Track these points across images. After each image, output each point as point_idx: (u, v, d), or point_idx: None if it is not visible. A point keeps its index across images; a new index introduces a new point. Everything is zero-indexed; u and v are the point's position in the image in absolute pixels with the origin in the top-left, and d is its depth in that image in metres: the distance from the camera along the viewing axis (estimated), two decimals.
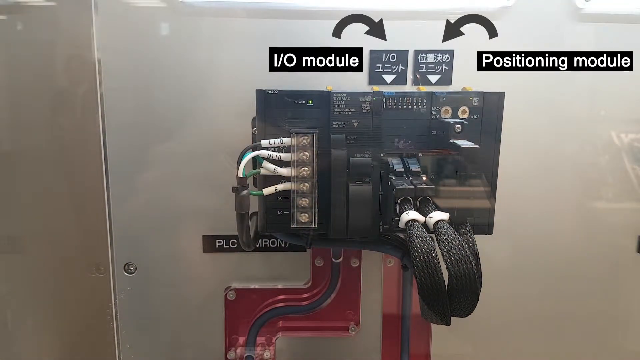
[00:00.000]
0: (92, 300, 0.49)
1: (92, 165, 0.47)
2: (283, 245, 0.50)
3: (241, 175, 0.36)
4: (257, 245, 0.49)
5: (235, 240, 0.49)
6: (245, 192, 0.36)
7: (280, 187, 0.37)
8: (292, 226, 0.37)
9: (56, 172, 0.47)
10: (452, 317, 0.35)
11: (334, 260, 0.50)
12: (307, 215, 0.38)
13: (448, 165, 0.35)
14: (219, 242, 0.49)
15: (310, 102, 0.37)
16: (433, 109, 0.37)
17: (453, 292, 0.31)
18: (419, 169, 0.36)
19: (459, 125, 0.34)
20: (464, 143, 0.33)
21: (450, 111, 0.37)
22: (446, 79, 0.46)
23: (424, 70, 0.46)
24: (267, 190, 0.37)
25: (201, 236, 0.49)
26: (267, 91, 0.36)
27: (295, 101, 0.36)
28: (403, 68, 0.45)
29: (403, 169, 0.36)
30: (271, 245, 0.50)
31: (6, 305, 0.50)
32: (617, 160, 0.49)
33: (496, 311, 0.51)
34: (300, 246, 0.49)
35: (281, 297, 0.50)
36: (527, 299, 0.51)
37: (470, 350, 0.52)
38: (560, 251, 0.51)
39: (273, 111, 0.36)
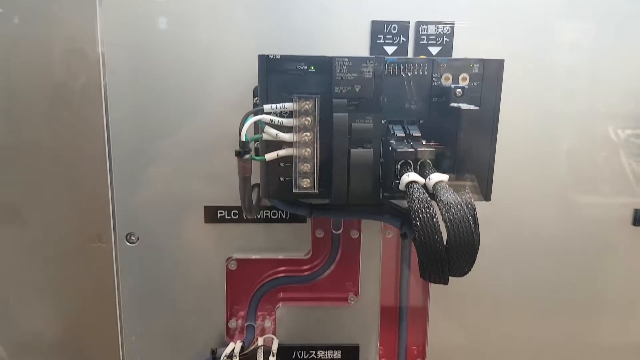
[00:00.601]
0: (94, 270, 0.50)
1: (94, 135, 0.47)
2: (284, 217, 0.50)
3: (243, 139, 0.36)
4: (259, 217, 0.50)
5: (237, 211, 0.50)
6: (247, 156, 0.37)
7: (282, 152, 0.38)
8: (294, 191, 0.38)
9: (57, 143, 0.48)
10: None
11: (334, 231, 0.51)
12: (308, 180, 0.38)
13: (448, 129, 0.36)
14: (220, 213, 0.50)
15: (313, 67, 0.37)
16: (434, 75, 0.38)
17: (452, 251, 0.32)
18: (420, 135, 0.36)
19: (459, 90, 0.35)
20: (464, 105, 0.34)
21: (450, 78, 0.38)
22: (447, 51, 0.46)
23: (424, 42, 0.46)
24: (269, 156, 0.38)
25: (203, 206, 0.49)
26: (269, 56, 0.37)
27: (298, 66, 0.37)
28: (404, 39, 0.46)
29: (404, 135, 0.36)
30: (272, 217, 0.50)
31: (6, 276, 0.50)
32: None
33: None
34: (301, 217, 0.50)
35: (282, 267, 0.51)
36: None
37: (465, 316, 0.53)
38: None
39: (275, 76, 0.37)
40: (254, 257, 0.51)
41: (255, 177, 0.41)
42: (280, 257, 0.51)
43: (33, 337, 0.50)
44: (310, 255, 0.51)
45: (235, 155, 0.37)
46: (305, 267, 0.52)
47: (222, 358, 0.48)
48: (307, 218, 0.50)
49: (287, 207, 0.47)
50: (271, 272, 0.51)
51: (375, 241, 0.51)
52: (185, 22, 0.45)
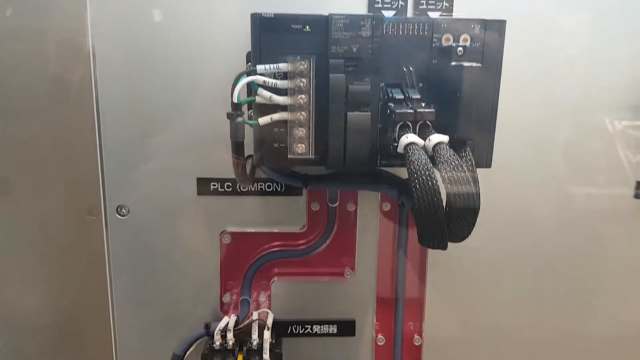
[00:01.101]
0: (84, 244, 0.49)
1: (83, 106, 0.46)
2: (279, 189, 0.49)
3: (235, 101, 0.35)
4: (253, 189, 0.49)
5: (230, 184, 0.49)
6: (240, 119, 0.35)
7: (276, 116, 0.36)
8: (289, 157, 0.37)
9: (47, 115, 0.46)
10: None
11: (330, 204, 0.50)
12: (303, 146, 0.37)
13: (449, 91, 0.35)
14: (213, 185, 0.48)
15: (308, 27, 0.35)
16: (434, 36, 0.36)
17: (452, 214, 0.31)
18: (419, 97, 0.35)
19: (460, 48, 0.33)
20: (466, 63, 0.33)
21: (451, 39, 0.36)
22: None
23: (424, 6, 0.45)
24: (263, 120, 0.37)
25: (195, 178, 0.48)
26: (262, 15, 0.35)
27: (292, 26, 0.35)
28: (403, 4, 0.44)
29: (403, 97, 0.35)
30: (267, 189, 0.49)
31: None
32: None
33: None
34: (296, 190, 0.49)
35: (277, 241, 0.50)
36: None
37: (463, 292, 0.52)
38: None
39: (269, 36, 0.35)
40: (248, 230, 0.50)
41: (249, 149, 0.40)
42: (275, 230, 0.50)
43: (22, 313, 0.49)
44: (305, 229, 0.50)
45: (227, 117, 0.35)
46: (301, 241, 0.51)
47: (216, 332, 0.48)
48: (303, 190, 0.49)
49: (282, 177, 0.46)
50: (266, 246, 0.50)
51: (372, 214, 0.50)
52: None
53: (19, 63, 0.45)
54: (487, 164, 0.38)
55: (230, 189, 0.49)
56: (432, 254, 0.51)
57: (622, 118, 0.49)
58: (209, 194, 0.48)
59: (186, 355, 0.49)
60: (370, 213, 0.50)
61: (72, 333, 0.50)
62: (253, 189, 0.49)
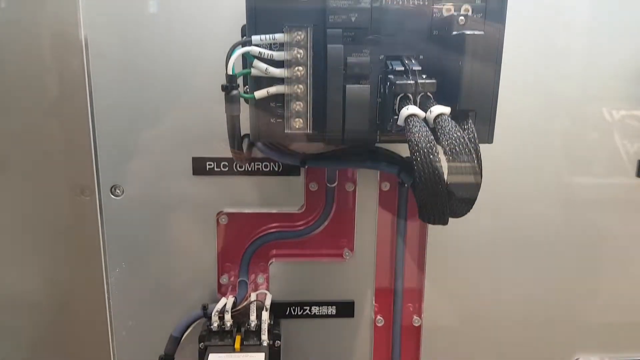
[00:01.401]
0: (78, 225, 0.48)
1: (76, 85, 0.45)
2: (276, 169, 0.48)
3: (230, 73, 0.34)
4: (250, 169, 0.48)
5: (226, 163, 0.48)
6: (235, 92, 0.34)
7: (272, 89, 0.35)
8: (286, 131, 0.36)
9: (40, 94, 0.45)
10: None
11: (328, 184, 0.49)
12: (301, 120, 0.36)
13: (451, 62, 0.34)
14: (209, 165, 0.47)
15: None
16: (435, 7, 0.35)
17: (452, 188, 0.30)
18: (420, 69, 0.34)
19: (462, 17, 0.32)
20: (468, 31, 0.32)
21: (452, 9, 0.35)
22: None
23: None
24: (259, 94, 0.35)
25: (191, 158, 0.47)
26: None
27: None
28: None
29: (403, 69, 0.34)
30: (264, 169, 0.48)
31: None
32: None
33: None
34: (294, 170, 0.48)
35: (275, 222, 0.49)
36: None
37: (463, 273, 0.52)
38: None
39: (264, 5, 0.34)
40: (245, 211, 0.49)
41: (245, 128, 0.39)
42: (273, 211, 0.49)
43: (17, 292, 0.49)
44: (303, 209, 0.49)
45: (222, 90, 0.34)
46: (299, 222, 0.50)
47: (213, 313, 0.47)
48: (301, 170, 0.48)
49: (279, 156, 0.45)
50: (264, 227, 0.49)
51: (371, 195, 0.50)
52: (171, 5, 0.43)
53: (12, 45, 0.44)
54: (488, 139, 0.37)
55: (227, 168, 0.48)
56: (432, 235, 0.51)
57: (620, 108, 0.49)
58: (205, 174, 0.48)
59: (184, 337, 0.48)
60: (369, 193, 0.49)
61: (67, 314, 0.49)
62: (250, 169, 0.48)
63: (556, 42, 0.47)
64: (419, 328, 0.52)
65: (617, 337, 0.55)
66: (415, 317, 0.52)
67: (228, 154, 0.46)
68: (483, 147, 0.35)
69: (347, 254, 0.51)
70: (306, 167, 0.45)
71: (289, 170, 0.48)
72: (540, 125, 0.49)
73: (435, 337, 0.53)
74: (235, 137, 0.37)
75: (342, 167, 0.47)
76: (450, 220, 0.50)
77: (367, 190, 0.49)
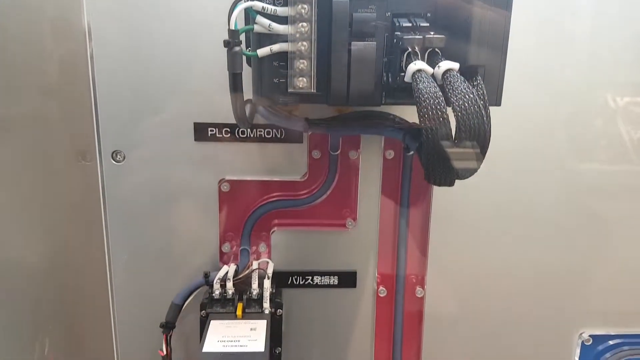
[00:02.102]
0: (78, 191, 0.47)
1: (76, 50, 0.44)
2: (279, 136, 0.48)
3: (233, 28, 0.33)
4: (252, 135, 0.47)
5: (228, 129, 0.47)
6: (237, 48, 0.33)
7: (276, 47, 0.34)
8: (289, 90, 0.35)
9: (42, 59, 0.44)
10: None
11: (331, 152, 0.48)
12: (305, 80, 0.35)
13: (459, 18, 0.32)
14: (211, 131, 0.47)
15: None
16: None
17: (461, 145, 0.30)
18: (427, 25, 0.33)
19: None
20: None
21: None
22: None
23: None
24: (262, 51, 0.34)
25: (192, 123, 0.46)
26: None
27: None
28: None
29: (410, 25, 0.33)
30: (266, 136, 0.47)
31: None
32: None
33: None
34: (297, 137, 0.48)
35: (277, 190, 0.49)
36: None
37: (466, 244, 0.52)
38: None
39: None
40: (247, 179, 0.49)
41: (247, 94, 0.38)
42: (276, 179, 0.49)
43: (17, 258, 0.48)
44: (306, 177, 0.49)
45: (225, 46, 0.33)
46: (302, 191, 0.49)
47: (215, 281, 0.47)
48: (303, 138, 0.47)
49: (281, 121, 0.44)
50: (266, 195, 0.49)
51: (375, 163, 0.49)
52: None
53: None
54: (497, 101, 0.36)
55: (229, 134, 0.47)
56: (436, 205, 0.50)
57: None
58: (206, 140, 0.47)
59: (185, 304, 0.48)
60: (373, 161, 0.49)
61: (68, 280, 0.49)
62: (252, 135, 0.47)
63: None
64: (421, 299, 0.52)
65: (622, 312, 0.54)
66: (418, 287, 0.52)
67: (230, 120, 0.46)
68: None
69: (350, 223, 0.50)
70: (309, 133, 0.44)
71: (291, 137, 0.48)
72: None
73: (438, 308, 0.53)
74: (237, 97, 0.36)
75: (346, 133, 0.46)
76: (455, 191, 0.50)
77: (371, 158, 0.49)
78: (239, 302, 0.47)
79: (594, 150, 0.50)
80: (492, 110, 0.34)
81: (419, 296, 0.52)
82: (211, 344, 0.41)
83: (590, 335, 0.54)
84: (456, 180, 0.49)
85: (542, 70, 0.47)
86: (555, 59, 0.47)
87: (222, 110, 0.45)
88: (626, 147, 0.50)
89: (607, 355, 0.55)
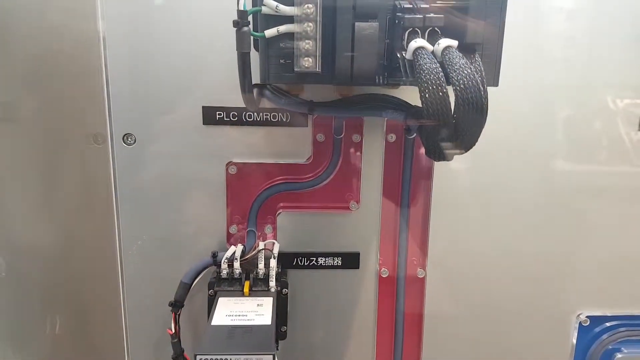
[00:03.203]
0: (90, 173, 0.49)
1: (88, 33, 0.45)
2: (284, 120, 0.49)
3: (242, 8, 0.34)
4: (258, 119, 0.49)
5: (235, 113, 0.49)
6: (246, 28, 0.35)
7: (282, 28, 0.36)
8: (295, 70, 0.36)
9: (54, 42, 0.46)
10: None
11: (335, 136, 0.50)
12: (310, 59, 0.37)
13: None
14: (219, 114, 0.48)
15: None
16: None
17: (459, 120, 0.31)
18: (428, 6, 0.35)
19: None
20: None
21: None
22: None
23: None
24: (269, 32, 0.36)
25: (201, 107, 0.48)
26: None
27: None
28: None
29: (411, 6, 0.35)
30: (272, 119, 0.49)
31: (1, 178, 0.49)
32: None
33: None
34: (302, 121, 0.49)
35: (283, 173, 0.50)
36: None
37: (467, 226, 0.53)
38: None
39: None
40: (254, 161, 0.50)
41: (254, 78, 0.40)
42: (281, 162, 0.50)
43: (27, 240, 0.50)
44: (311, 160, 0.50)
45: (234, 26, 0.35)
46: (306, 174, 0.51)
47: (223, 261, 0.48)
48: (308, 121, 0.49)
49: (287, 103, 0.46)
50: (272, 178, 0.51)
51: (377, 146, 0.50)
52: None
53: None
54: (494, 82, 0.38)
55: (236, 118, 0.49)
56: (437, 187, 0.51)
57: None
58: (214, 124, 0.48)
59: (194, 283, 0.50)
60: (375, 145, 0.50)
61: (78, 261, 0.50)
62: (258, 119, 0.49)
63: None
64: (423, 279, 0.54)
65: (619, 293, 0.56)
66: (419, 269, 0.53)
67: (237, 104, 0.47)
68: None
69: (353, 205, 0.52)
70: (314, 115, 0.46)
71: (296, 121, 0.49)
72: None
73: (440, 288, 0.54)
74: (245, 76, 0.38)
75: (349, 115, 0.47)
76: (456, 173, 0.52)
77: (373, 141, 0.50)
78: (245, 281, 0.48)
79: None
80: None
81: (420, 277, 0.54)
82: (220, 318, 0.43)
83: (587, 317, 0.56)
84: (458, 165, 0.51)
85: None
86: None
87: (230, 95, 0.47)
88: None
89: (604, 336, 0.57)
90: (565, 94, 0.50)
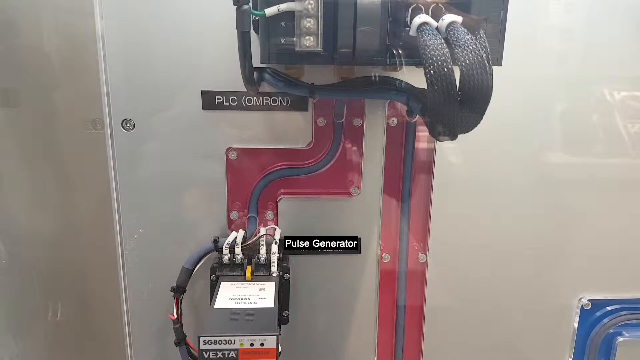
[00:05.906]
0: (89, 158, 0.48)
1: (85, 17, 0.45)
2: (284, 104, 0.49)
3: None
4: (258, 103, 0.48)
5: (235, 97, 0.48)
6: (246, 7, 0.34)
7: (283, 6, 0.35)
8: (296, 49, 0.36)
9: (51, 26, 0.45)
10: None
11: (336, 120, 0.49)
12: (312, 38, 0.36)
13: None
14: (218, 99, 0.48)
15: None
16: None
17: (464, 97, 0.31)
18: None
19: None
20: None
21: None
22: None
23: None
24: (270, 11, 0.36)
25: (199, 91, 0.47)
26: None
27: None
28: None
29: None
30: (272, 104, 0.49)
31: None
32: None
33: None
34: (302, 105, 0.49)
35: (283, 158, 0.50)
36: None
37: (468, 212, 0.53)
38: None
39: None
40: (254, 147, 0.50)
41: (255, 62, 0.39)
42: (282, 147, 0.50)
43: (27, 225, 0.50)
44: (312, 145, 0.50)
45: (234, 4, 0.34)
46: (307, 159, 0.50)
47: (224, 246, 0.48)
48: (309, 106, 0.48)
49: (287, 86, 0.45)
50: (273, 163, 0.50)
51: (379, 131, 0.50)
52: None
53: None
54: (498, 60, 0.37)
55: (236, 103, 0.48)
56: (438, 172, 0.51)
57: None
58: (214, 109, 0.48)
59: (195, 269, 0.50)
60: (376, 129, 0.50)
61: (78, 247, 0.50)
62: (259, 104, 0.48)
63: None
64: (424, 264, 0.54)
65: (620, 276, 0.56)
66: (420, 254, 0.53)
67: (237, 88, 0.47)
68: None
69: (354, 191, 0.51)
70: (315, 98, 0.45)
71: (297, 105, 0.49)
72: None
73: (441, 273, 0.54)
74: (246, 57, 0.37)
75: (351, 97, 0.47)
76: (457, 158, 0.51)
77: (375, 126, 0.50)
78: (247, 266, 0.48)
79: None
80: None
81: (422, 262, 0.53)
82: (222, 302, 0.43)
83: (589, 300, 0.56)
84: (461, 151, 0.51)
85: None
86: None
87: (229, 79, 0.47)
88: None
89: (605, 320, 0.57)
90: (563, 87, 0.50)
